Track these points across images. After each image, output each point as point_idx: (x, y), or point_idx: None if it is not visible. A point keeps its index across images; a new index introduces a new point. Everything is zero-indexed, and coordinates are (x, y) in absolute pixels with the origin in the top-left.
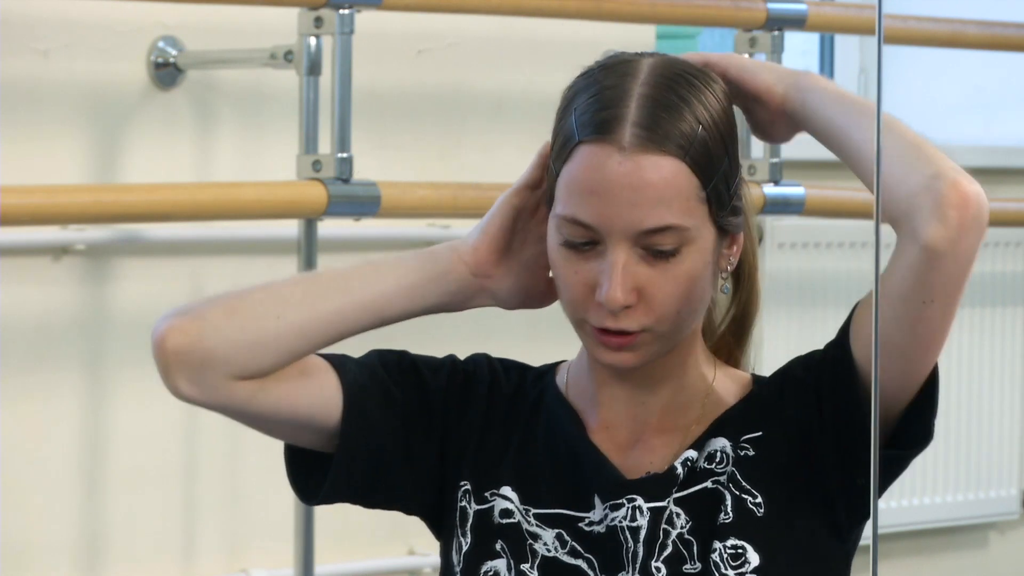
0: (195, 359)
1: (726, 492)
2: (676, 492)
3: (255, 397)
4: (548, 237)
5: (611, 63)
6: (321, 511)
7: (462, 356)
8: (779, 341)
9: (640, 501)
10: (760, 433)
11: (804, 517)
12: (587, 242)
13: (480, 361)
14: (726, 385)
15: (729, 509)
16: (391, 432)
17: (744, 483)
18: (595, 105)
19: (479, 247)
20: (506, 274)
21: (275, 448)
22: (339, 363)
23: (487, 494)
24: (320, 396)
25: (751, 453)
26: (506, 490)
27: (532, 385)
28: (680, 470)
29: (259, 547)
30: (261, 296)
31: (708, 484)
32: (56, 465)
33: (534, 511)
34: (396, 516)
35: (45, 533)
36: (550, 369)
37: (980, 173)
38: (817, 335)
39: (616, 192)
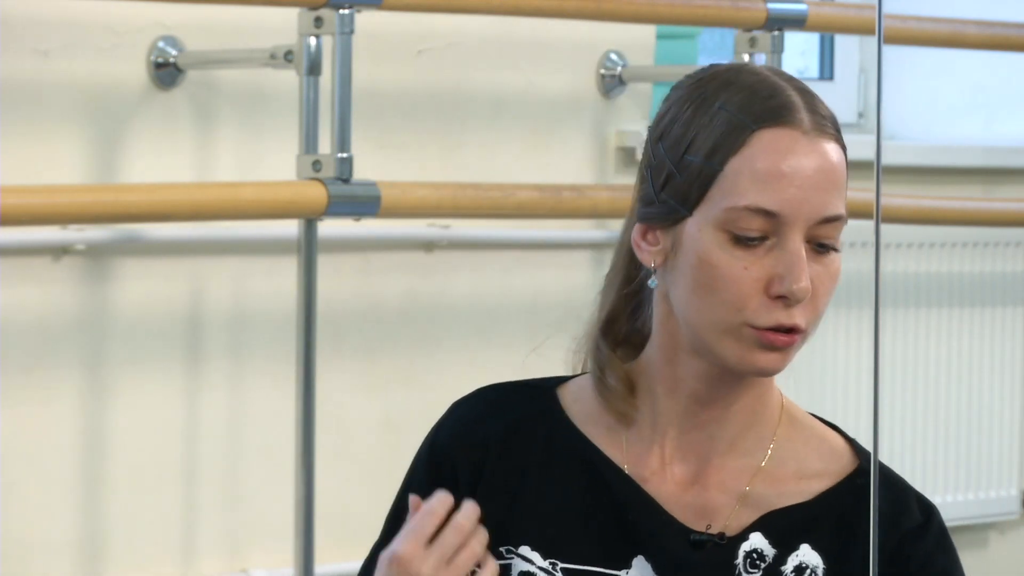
0: None
1: None
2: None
3: None
4: (700, 243)
5: (720, 71)
6: (321, 511)
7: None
8: None
9: None
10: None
11: None
12: (758, 236)
13: (441, 444)
14: (796, 434)
15: None
16: None
17: None
18: (754, 97)
19: None
20: None
21: (275, 449)
22: None
23: (502, 549)
24: None
25: None
26: (524, 550)
27: (524, 425)
28: (740, 560)
29: (259, 547)
30: None
31: None
32: (56, 465)
33: (562, 565)
34: None
35: (45, 533)
36: (545, 394)
37: (980, 173)
38: (816, 335)
39: (807, 175)
